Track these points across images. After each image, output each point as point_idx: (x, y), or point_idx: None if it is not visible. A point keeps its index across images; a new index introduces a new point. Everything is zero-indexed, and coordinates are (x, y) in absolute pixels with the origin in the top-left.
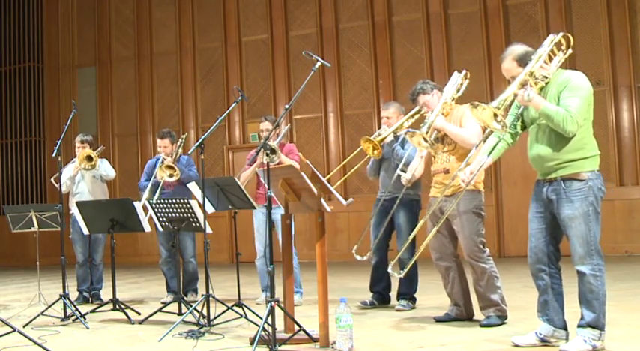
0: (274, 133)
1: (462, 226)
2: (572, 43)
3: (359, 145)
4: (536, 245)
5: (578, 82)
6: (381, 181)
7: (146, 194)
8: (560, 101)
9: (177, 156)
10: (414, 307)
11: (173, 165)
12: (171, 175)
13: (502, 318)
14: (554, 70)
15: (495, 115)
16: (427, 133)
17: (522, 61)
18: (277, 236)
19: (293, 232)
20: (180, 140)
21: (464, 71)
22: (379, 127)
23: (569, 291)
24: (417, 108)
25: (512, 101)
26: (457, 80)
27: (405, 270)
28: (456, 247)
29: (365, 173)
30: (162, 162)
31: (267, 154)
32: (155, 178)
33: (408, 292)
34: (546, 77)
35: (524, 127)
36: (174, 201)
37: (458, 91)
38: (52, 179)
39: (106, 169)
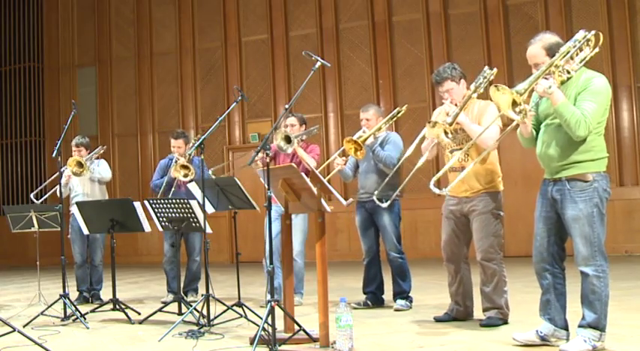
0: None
1: (479, 226)
2: (601, 42)
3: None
4: (541, 244)
5: (599, 87)
6: (360, 183)
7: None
8: (578, 102)
9: (190, 157)
10: (411, 307)
11: (188, 164)
12: (186, 175)
13: (502, 320)
14: (578, 66)
15: (514, 103)
16: (451, 124)
17: (551, 50)
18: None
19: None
20: (193, 141)
21: (495, 69)
22: None
23: (572, 290)
24: (395, 111)
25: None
26: (485, 76)
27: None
28: (468, 249)
29: None
30: (177, 161)
31: (283, 141)
32: (169, 176)
33: (403, 290)
34: (569, 73)
35: (538, 126)
36: (174, 201)
37: (482, 86)
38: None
39: (100, 172)
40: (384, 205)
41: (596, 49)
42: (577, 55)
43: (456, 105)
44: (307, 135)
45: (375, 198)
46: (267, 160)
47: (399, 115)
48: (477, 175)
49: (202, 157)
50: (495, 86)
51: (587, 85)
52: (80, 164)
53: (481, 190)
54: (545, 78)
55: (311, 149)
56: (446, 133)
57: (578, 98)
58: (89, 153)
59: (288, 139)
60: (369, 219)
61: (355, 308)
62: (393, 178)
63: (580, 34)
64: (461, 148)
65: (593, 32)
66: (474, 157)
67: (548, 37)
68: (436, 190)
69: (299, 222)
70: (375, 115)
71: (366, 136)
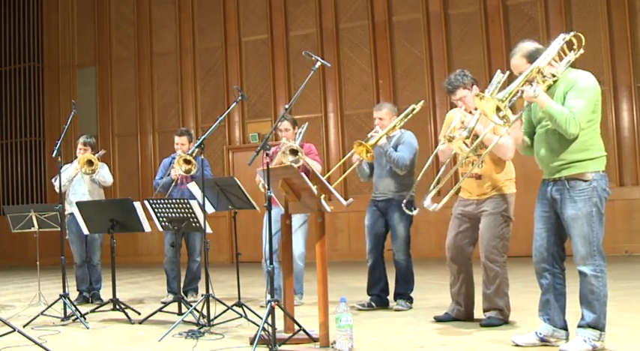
0: (292, 133)
1: (486, 226)
2: (583, 43)
3: None
4: (541, 244)
5: (585, 84)
6: (374, 183)
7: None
8: (566, 102)
9: (194, 155)
10: (411, 307)
11: (190, 158)
12: (188, 170)
13: (503, 321)
14: (564, 69)
15: (498, 109)
16: (468, 137)
17: (532, 57)
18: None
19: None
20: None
21: (507, 73)
22: None
23: (571, 290)
24: (409, 108)
25: (520, 99)
26: (499, 81)
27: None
28: (473, 250)
29: None
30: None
31: (290, 154)
32: (170, 174)
33: (404, 292)
34: (555, 75)
35: (532, 131)
36: (174, 201)
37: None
38: (53, 180)
39: (104, 175)
40: (413, 212)
41: (581, 51)
42: (561, 58)
43: (470, 113)
44: (303, 136)
45: (403, 205)
46: (267, 160)
47: (414, 112)
48: (492, 178)
49: (203, 156)
50: (478, 95)
51: (573, 84)
52: (91, 162)
53: (492, 193)
54: (530, 84)
55: (308, 150)
56: (465, 144)
57: (566, 97)
58: (94, 154)
59: (295, 152)
60: (381, 218)
61: (360, 309)
62: (407, 179)
63: (559, 37)
64: (477, 155)
65: (572, 33)
66: (492, 163)
67: (527, 45)
68: (430, 207)
69: (299, 223)
70: (388, 114)
71: (378, 136)
